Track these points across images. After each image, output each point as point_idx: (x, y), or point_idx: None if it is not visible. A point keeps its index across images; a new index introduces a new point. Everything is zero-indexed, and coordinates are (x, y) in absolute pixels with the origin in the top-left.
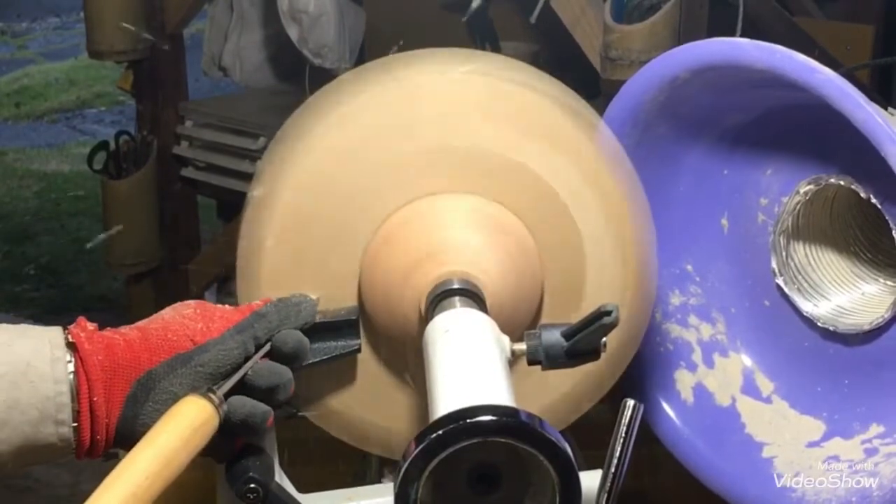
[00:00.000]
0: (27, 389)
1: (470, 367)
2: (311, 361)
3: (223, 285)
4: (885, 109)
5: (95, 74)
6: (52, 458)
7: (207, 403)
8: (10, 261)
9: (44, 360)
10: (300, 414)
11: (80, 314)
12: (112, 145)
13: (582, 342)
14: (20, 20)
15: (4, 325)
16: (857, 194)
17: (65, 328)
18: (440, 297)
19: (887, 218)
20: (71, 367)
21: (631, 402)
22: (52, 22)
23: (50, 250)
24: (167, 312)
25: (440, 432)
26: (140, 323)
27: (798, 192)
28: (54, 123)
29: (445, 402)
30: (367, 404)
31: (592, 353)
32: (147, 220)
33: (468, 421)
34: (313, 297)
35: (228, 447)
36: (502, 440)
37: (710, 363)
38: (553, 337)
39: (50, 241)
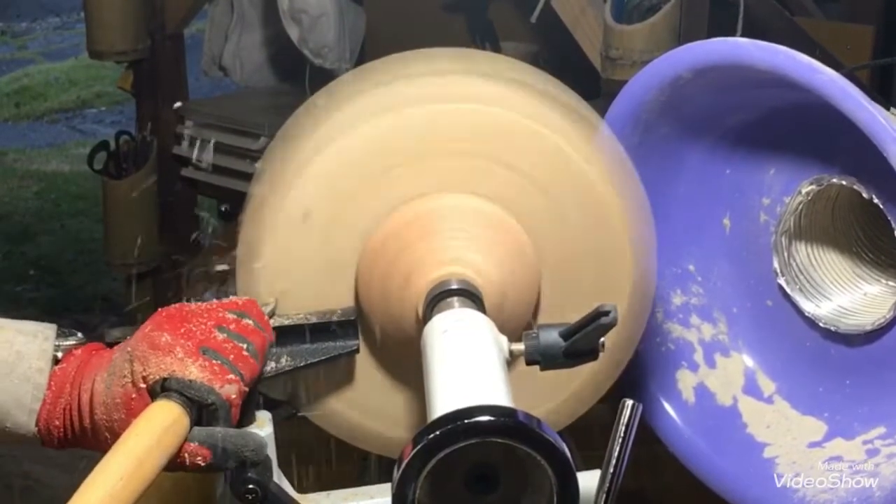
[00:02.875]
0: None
1: (468, 368)
2: (310, 362)
3: (223, 285)
4: (888, 110)
5: (95, 74)
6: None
7: (175, 405)
8: (10, 261)
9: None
10: (300, 414)
11: (80, 314)
12: (112, 145)
13: (580, 342)
14: (20, 20)
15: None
16: (860, 195)
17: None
18: (438, 298)
19: (889, 218)
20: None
21: (629, 403)
22: (52, 22)
23: (50, 250)
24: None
25: (438, 433)
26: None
27: (800, 193)
28: (54, 123)
29: (443, 402)
30: (366, 404)
31: (590, 353)
32: (147, 220)
33: (466, 421)
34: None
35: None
36: (500, 440)
37: (711, 363)
38: (551, 337)
39: (50, 241)
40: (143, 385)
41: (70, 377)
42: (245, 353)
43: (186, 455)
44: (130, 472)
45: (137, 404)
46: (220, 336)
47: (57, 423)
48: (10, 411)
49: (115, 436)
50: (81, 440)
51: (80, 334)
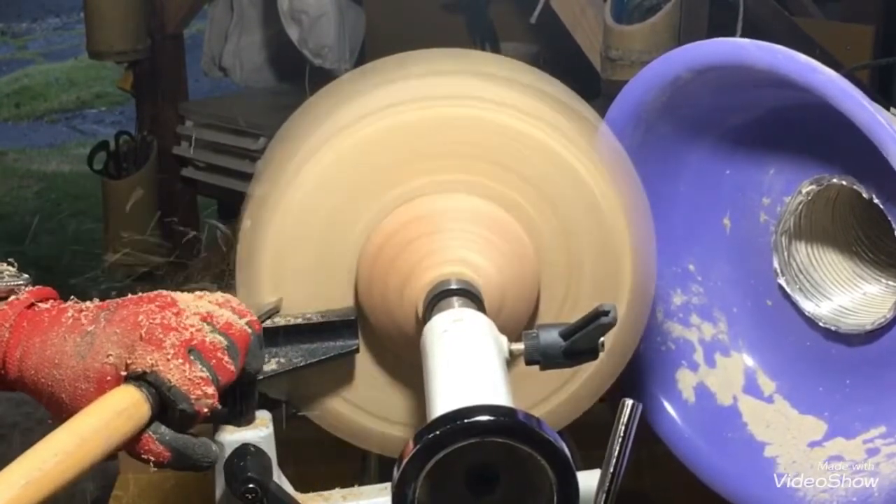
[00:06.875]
0: None
1: (468, 368)
2: (310, 362)
3: (223, 285)
4: (888, 110)
5: (95, 74)
6: None
7: (135, 391)
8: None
9: None
10: (300, 414)
11: None
12: (112, 145)
13: (580, 342)
14: (20, 20)
15: None
16: (860, 194)
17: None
18: (438, 298)
19: (889, 218)
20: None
21: (629, 402)
22: (53, 22)
23: (50, 250)
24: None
25: (438, 432)
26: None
27: (800, 192)
28: (54, 123)
29: (443, 402)
30: (366, 404)
31: (590, 353)
32: (147, 221)
33: (466, 421)
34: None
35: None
36: (500, 440)
37: (711, 362)
38: (551, 337)
39: (50, 241)
40: (124, 372)
41: (10, 319)
42: (226, 358)
43: (148, 451)
44: (69, 449)
45: (110, 385)
46: (207, 333)
47: None
48: None
49: (57, 397)
50: (15, 384)
51: (26, 276)
